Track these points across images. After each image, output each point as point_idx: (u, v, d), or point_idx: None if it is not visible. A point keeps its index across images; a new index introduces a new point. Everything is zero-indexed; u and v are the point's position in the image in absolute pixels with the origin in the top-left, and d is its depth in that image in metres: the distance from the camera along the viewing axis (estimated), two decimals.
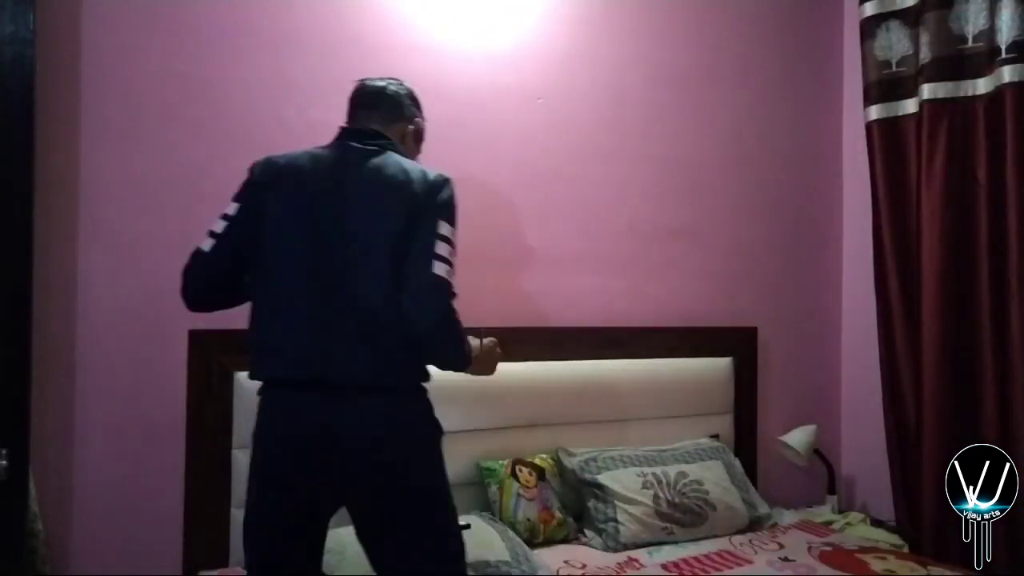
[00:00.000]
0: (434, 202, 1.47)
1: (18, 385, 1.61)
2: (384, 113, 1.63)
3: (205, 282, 1.53)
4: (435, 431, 1.51)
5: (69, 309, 1.90)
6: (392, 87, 1.66)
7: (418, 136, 1.72)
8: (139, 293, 1.96)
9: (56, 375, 1.88)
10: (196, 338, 1.98)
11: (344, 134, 1.60)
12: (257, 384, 1.49)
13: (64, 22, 1.89)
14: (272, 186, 1.50)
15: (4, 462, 1.49)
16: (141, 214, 1.97)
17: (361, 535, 1.48)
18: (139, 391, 1.96)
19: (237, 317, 2.03)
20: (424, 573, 1.44)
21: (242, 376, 2.00)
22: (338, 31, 2.20)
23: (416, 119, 1.70)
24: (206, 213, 2.02)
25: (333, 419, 1.40)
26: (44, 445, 1.81)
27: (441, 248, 1.43)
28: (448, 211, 1.48)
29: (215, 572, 1.91)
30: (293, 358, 1.43)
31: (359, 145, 1.54)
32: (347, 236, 1.44)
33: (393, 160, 1.52)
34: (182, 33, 2.02)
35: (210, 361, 1.99)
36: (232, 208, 1.53)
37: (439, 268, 1.41)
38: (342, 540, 1.71)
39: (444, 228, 1.45)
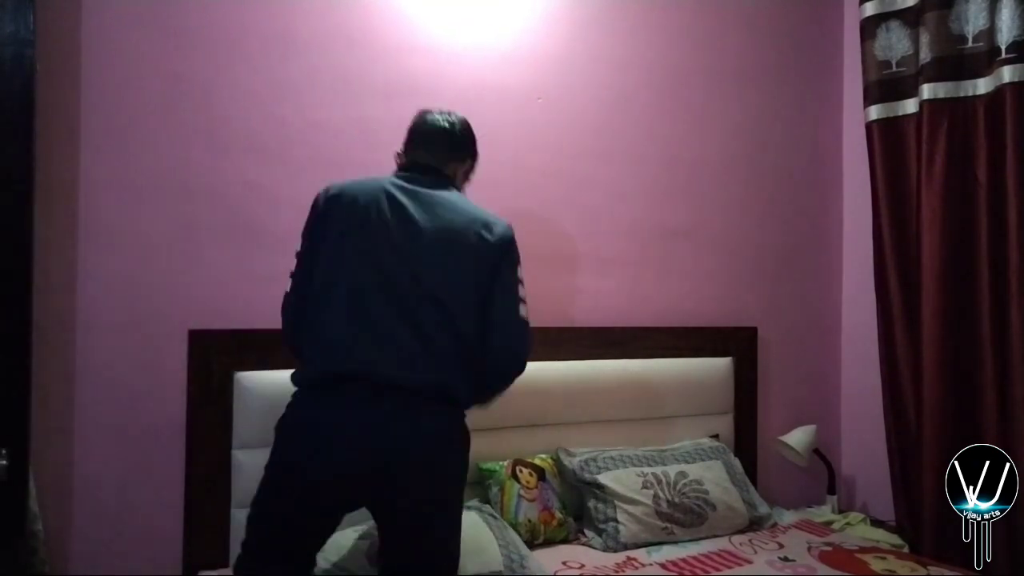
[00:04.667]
0: (508, 253, 1.62)
1: (18, 385, 1.61)
2: (447, 152, 1.69)
3: (295, 322, 1.62)
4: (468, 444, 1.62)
5: (69, 309, 1.89)
6: (458, 127, 1.72)
7: (469, 172, 1.80)
8: (139, 293, 1.96)
9: (56, 375, 1.87)
10: (196, 338, 1.98)
11: (407, 167, 1.67)
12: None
13: (64, 22, 1.89)
14: (333, 217, 1.56)
15: (4, 462, 1.49)
16: (141, 214, 1.97)
17: (389, 532, 1.54)
18: (139, 391, 1.96)
19: (237, 317, 2.05)
20: (436, 567, 1.55)
21: (242, 376, 2.00)
22: (337, 31, 2.20)
23: (474, 158, 1.78)
24: (206, 213, 2.04)
25: (394, 430, 1.45)
26: (44, 445, 1.81)
27: (521, 291, 1.64)
28: (518, 257, 1.66)
29: (215, 572, 1.91)
30: (360, 366, 1.47)
31: (421, 188, 1.60)
32: (420, 276, 1.52)
33: (459, 205, 1.61)
34: (182, 33, 2.02)
35: (210, 361, 1.99)
36: (300, 245, 1.61)
37: (523, 310, 1.63)
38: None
39: (519, 272, 1.65)
